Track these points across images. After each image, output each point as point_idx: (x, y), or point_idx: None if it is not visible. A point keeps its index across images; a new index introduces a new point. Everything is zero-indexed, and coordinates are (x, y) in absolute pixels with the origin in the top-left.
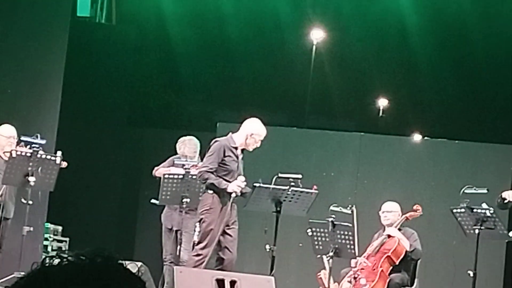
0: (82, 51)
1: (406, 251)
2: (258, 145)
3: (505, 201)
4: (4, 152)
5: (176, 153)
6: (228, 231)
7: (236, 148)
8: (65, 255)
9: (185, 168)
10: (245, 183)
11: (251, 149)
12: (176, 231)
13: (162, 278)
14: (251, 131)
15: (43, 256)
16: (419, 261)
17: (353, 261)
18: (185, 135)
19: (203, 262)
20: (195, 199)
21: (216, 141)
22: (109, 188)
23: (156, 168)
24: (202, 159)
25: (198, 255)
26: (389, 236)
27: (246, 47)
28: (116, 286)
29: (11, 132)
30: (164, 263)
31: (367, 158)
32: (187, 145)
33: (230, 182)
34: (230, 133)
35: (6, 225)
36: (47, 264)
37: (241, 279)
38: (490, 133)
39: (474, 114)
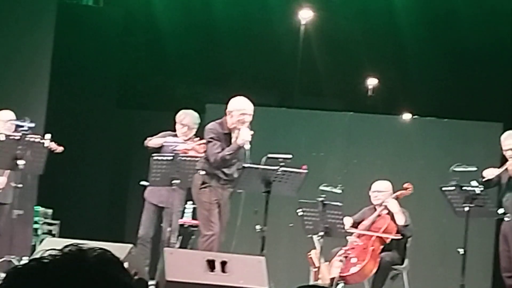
0: (70, 33)
1: (400, 228)
2: (250, 119)
3: (484, 180)
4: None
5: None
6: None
7: (229, 133)
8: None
9: (174, 150)
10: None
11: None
12: (162, 208)
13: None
14: (238, 109)
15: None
16: (409, 240)
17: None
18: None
19: (214, 240)
20: (184, 181)
21: (210, 129)
22: (99, 170)
23: (149, 138)
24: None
25: (205, 235)
26: (379, 215)
27: (234, 28)
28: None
29: (9, 117)
30: (140, 243)
31: (356, 137)
32: (189, 114)
33: (227, 167)
34: (224, 117)
35: (4, 210)
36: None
37: (232, 260)
38: (479, 111)
39: (463, 92)
